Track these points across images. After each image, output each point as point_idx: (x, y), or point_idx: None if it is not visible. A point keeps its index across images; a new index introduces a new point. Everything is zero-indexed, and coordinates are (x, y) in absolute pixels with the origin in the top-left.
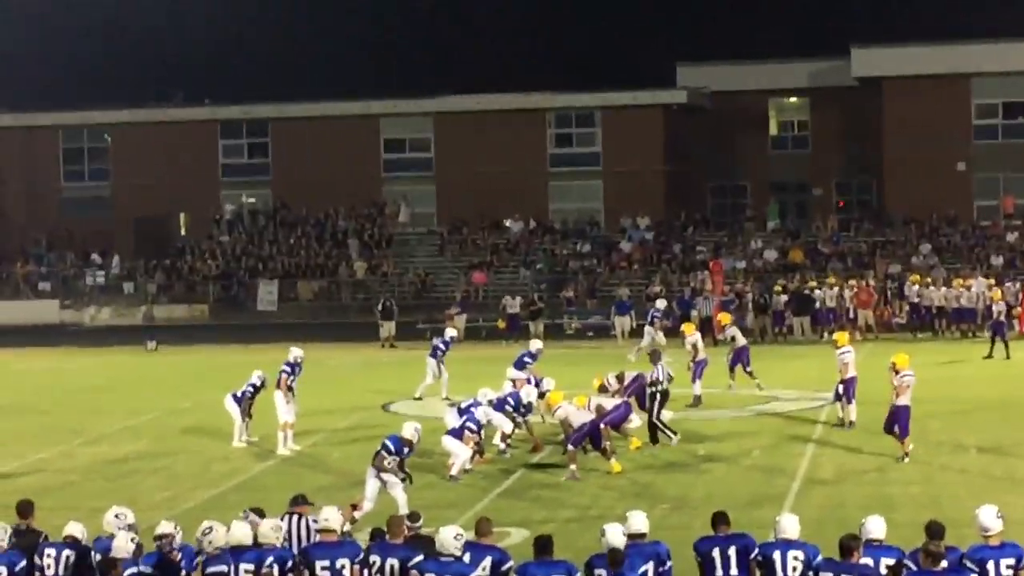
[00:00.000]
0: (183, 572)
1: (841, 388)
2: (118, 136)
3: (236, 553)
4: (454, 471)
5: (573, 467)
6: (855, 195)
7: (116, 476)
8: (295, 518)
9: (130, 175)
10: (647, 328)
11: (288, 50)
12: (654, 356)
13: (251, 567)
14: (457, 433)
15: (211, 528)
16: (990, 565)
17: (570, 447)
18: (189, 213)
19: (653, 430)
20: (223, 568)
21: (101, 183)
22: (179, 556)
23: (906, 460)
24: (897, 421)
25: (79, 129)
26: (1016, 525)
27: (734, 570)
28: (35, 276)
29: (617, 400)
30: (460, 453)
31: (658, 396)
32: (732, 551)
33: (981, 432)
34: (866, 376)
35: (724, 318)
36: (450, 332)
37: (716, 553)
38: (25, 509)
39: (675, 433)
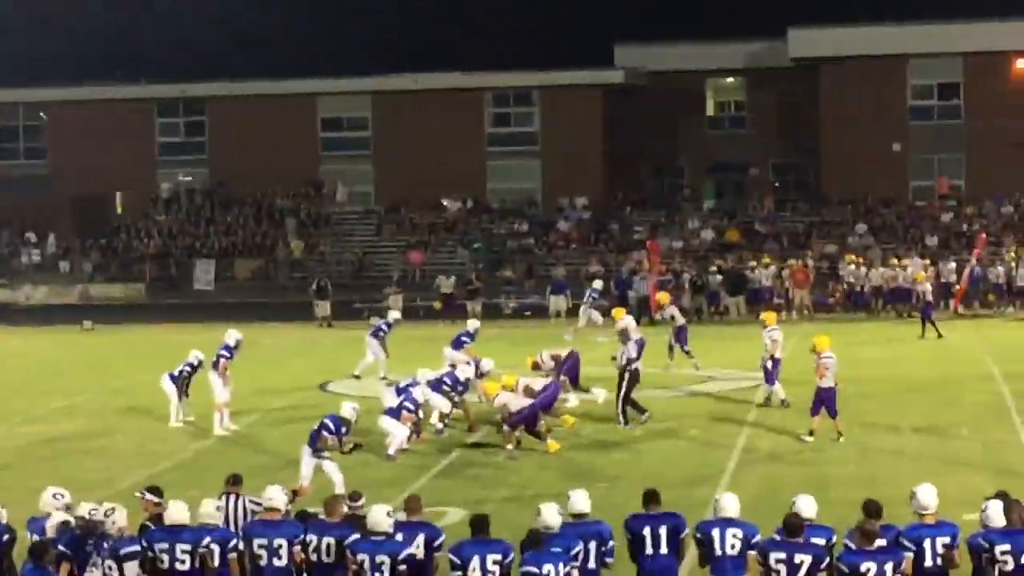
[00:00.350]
0: (96, 553)
1: (770, 365)
2: (54, 114)
3: (174, 532)
4: (391, 450)
5: (510, 447)
6: (792, 176)
7: (52, 456)
8: (232, 498)
9: (66, 154)
10: (583, 308)
11: (225, 29)
12: (624, 335)
13: (188, 547)
14: (395, 413)
15: (113, 509)
16: (927, 543)
17: (506, 428)
18: (126, 192)
19: (625, 409)
20: (136, 548)
21: (37, 162)
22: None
23: (841, 440)
24: (824, 403)
25: (14, 107)
26: (950, 503)
27: (664, 549)
28: None
29: (547, 380)
30: (397, 433)
31: (627, 376)
32: (663, 530)
33: (916, 412)
34: (801, 356)
35: (663, 297)
36: (393, 314)
37: (647, 532)
38: None
39: (644, 411)
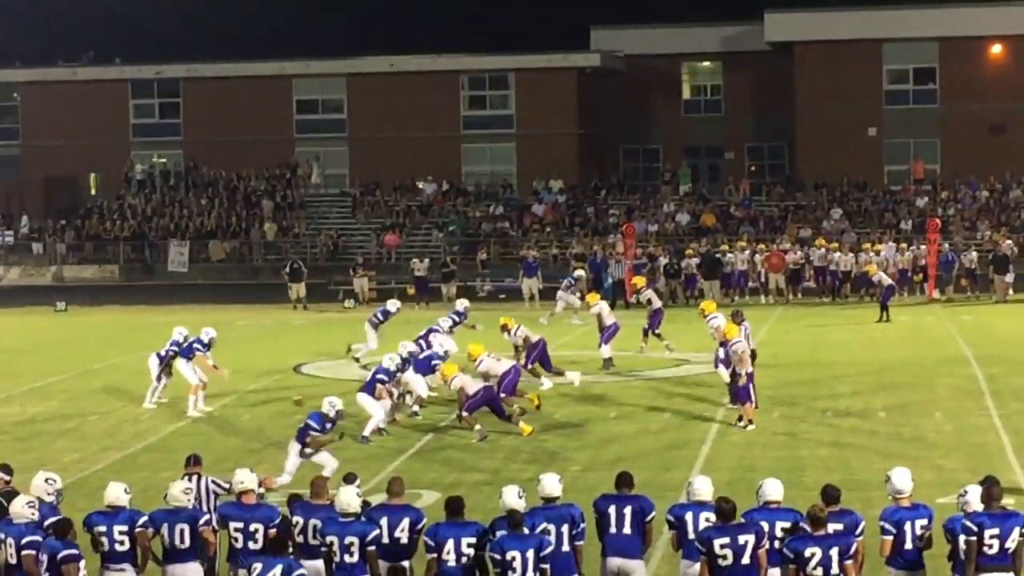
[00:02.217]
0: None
1: (721, 353)
2: (27, 95)
3: (110, 514)
4: (367, 431)
5: (478, 427)
6: (767, 159)
7: (25, 437)
8: (194, 478)
9: (40, 134)
10: (560, 293)
11: (200, 9)
12: (599, 320)
13: (125, 528)
14: (369, 387)
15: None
16: (907, 526)
17: (465, 414)
18: (99, 173)
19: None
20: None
21: (10, 142)
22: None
23: (750, 428)
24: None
25: None
26: (924, 487)
27: (627, 529)
28: None
29: (506, 364)
30: (374, 412)
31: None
32: (628, 511)
33: (890, 396)
34: (775, 340)
35: (639, 281)
36: (393, 304)
37: (612, 511)
38: None
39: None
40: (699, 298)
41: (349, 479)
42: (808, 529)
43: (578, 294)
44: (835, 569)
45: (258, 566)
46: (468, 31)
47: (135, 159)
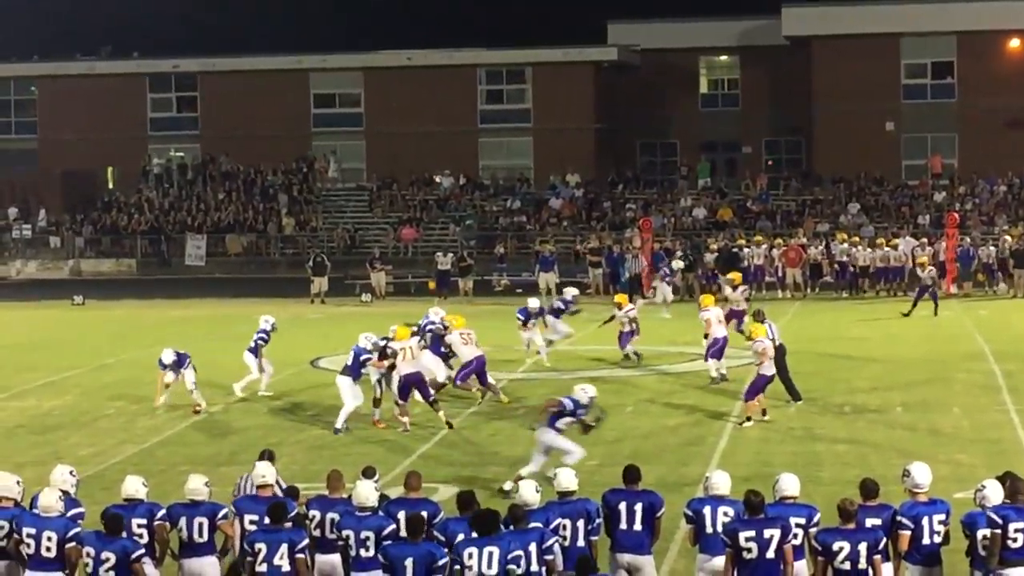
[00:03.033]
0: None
1: (711, 345)
2: (45, 89)
3: (128, 508)
4: (339, 423)
5: (406, 419)
6: (784, 154)
7: (41, 431)
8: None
9: (57, 128)
10: (656, 284)
11: (218, 3)
12: (759, 315)
13: (143, 521)
14: (354, 370)
15: None
16: (924, 521)
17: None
18: (117, 167)
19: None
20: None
21: (28, 136)
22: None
23: (746, 425)
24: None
25: (6, 81)
26: (940, 481)
27: (638, 525)
28: None
29: (473, 352)
30: (348, 401)
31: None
32: (638, 507)
33: (907, 390)
34: (793, 335)
35: (736, 276)
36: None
37: (623, 507)
38: None
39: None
40: (717, 292)
41: (368, 473)
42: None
43: (671, 287)
44: (863, 564)
45: (262, 547)
46: (485, 25)
47: (152, 153)
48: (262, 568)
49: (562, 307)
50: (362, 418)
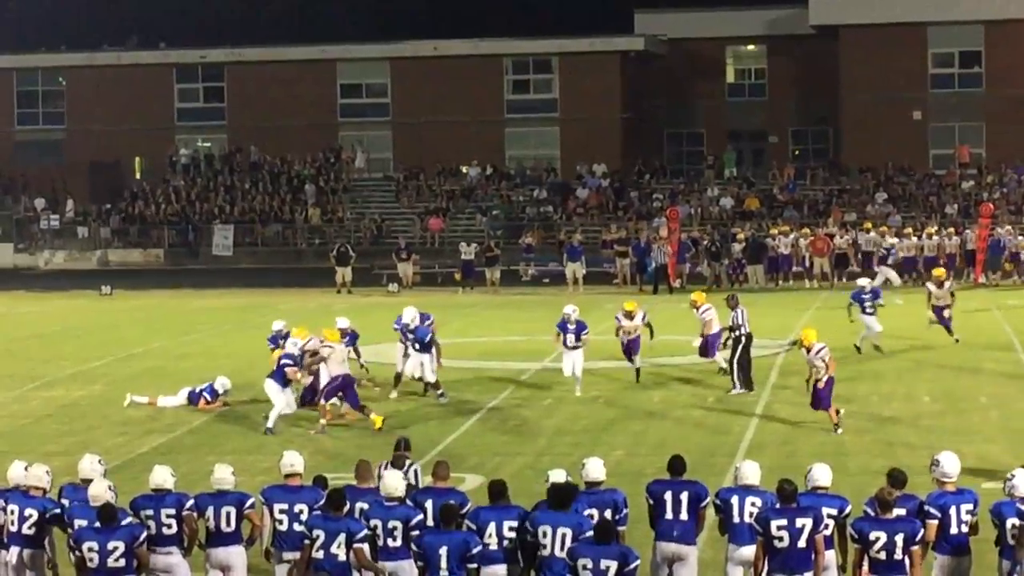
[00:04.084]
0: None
1: (703, 342)
2: (73, 79)
3: (156, 498)
4: (270, 422)
5: (323, 421)
6: (811, 143)
7: (69, 421)
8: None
9: (85, 119)
10: (879, 268)
11: None
12: (732, 300)
13: (172, 511)
14: (278, 375)
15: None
16: (952, 511)
17: (321, 401)
18: (144, 157)
19: (740, 372)
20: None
21: (55, 126)
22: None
23: (839, 432)
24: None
25: (33, 72)
26: (968, 471)
27: (684, 515)
28: None
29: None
30: (277, 402)
31: (743, 340)
32: (684, 496)
33: (934, 380)
34: (820, 324)
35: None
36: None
37: (668, 497)
38: None
39: (738, 388)
40: (744, 282)
41: (397, 463)
42: (870, 512)
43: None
44: (899, 554)
45: (320, 534)
46: (511, 15)
47: (179, 143)
48: (318, 555)
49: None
50: (390, 411)
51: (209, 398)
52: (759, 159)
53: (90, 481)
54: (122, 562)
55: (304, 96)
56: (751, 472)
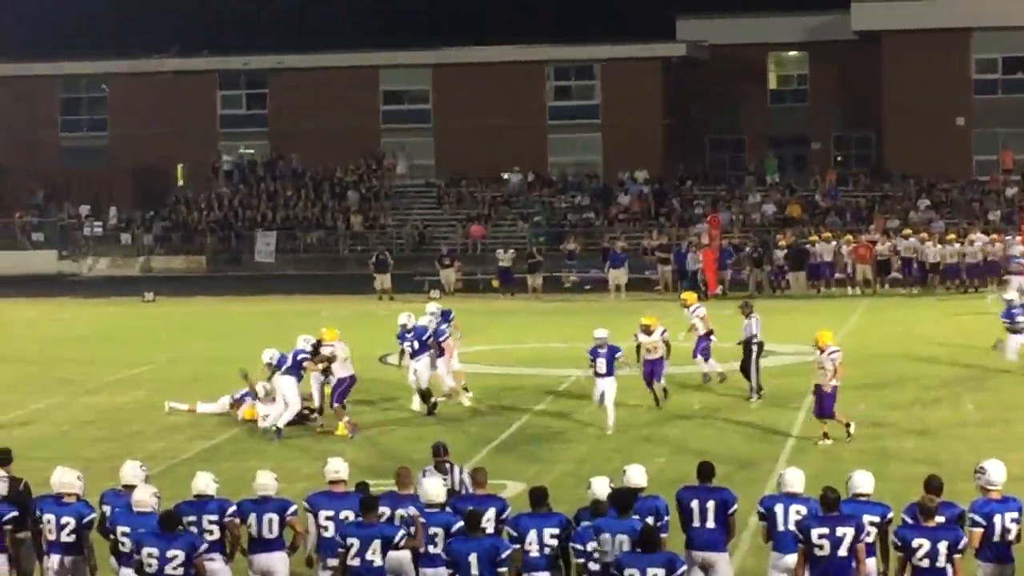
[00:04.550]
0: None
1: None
2: (116, 86)
3: (198, 504)
4: (280, 422)
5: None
6: (854, 150)
7: (112, 426)
8: (446, 466)
9: (128, 125)
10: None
11: (287, 1)
12: (746, 308)
13: (215, 517)
14: (294, 370)
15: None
16: (996, 519)
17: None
18: (187, 164)
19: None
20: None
21: (99, 133)
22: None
23: (849, 438)
24: (820, 403)
25: (77, 79)
26: (1012, 480)
27: (711, 523)
28: (32, 226)
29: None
30: (292, 402)
31: (754, 348)
32: (711, 504)
33: (978, 387)
34: (863, 331)
35: (689, 297)
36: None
37: (695, 504)
38: (3, 457)
39: (758, 395)
40: (786, 289)
41: (440, 469)
42: (908, 519)
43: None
44: (941, 562)
45: (354, 541)
46: (553, 21)
47: (222, 150)
48: (354, 563)
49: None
50: (424, 417)
51: (249, 404)
52: (801, 165)
53: (132, 487)
54: (180, 571)
55: (346, 103)
56: (795, 479)
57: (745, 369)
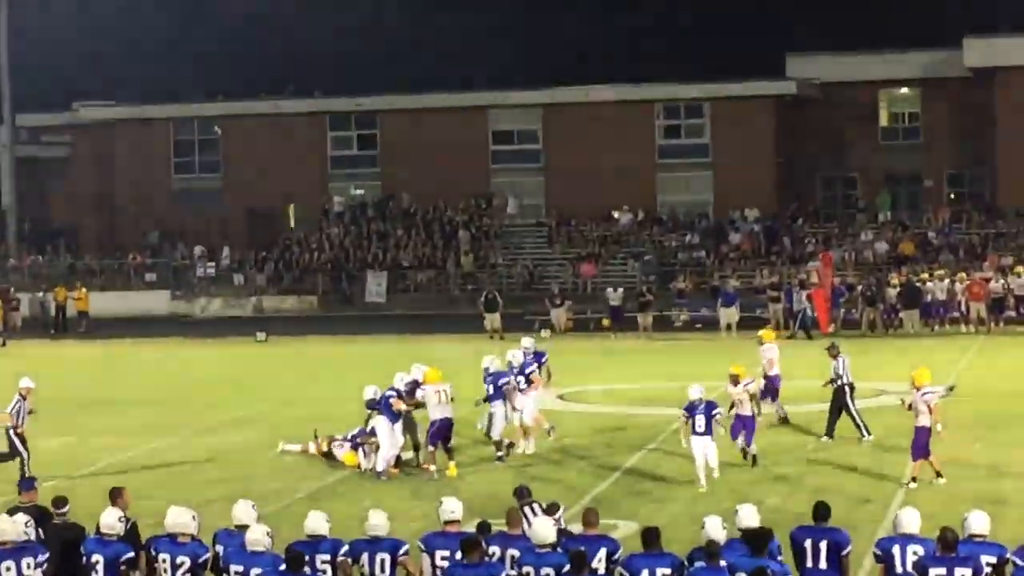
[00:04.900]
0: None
1: (763, 384)
2: (228, 128)
3: (311, 544)
4: (379, 466)
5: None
6: (967, 187)
7: (227, 467)
8: (525, 508)
9: (240, 167)
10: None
11: (397, 41)
12: (833, 350)
13: (327, 557)
14: (386, 407)
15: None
16: None
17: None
18: (298, 205)
19: (853, 419)
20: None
21: (211, 175)
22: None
23: (941, 481)
24: (918, 444)
25: (190, 121)
26: None
27: (823, 563)
28: (146, 267)
29: (444, 411)
30: (384, 442)
31: (846, 389)
32: (823, 544)
33: None
34: (978, 370)
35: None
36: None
37: (808, 544)
38: (116, 496)
39: (868, 432)
40: (899, 327)
41: (551, 510)
42: (1018, 562)
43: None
44: None
45: None
46: (663, 60)
47: (333, 191)
48: None
49: None
50: (540, 456)
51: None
52: (914, 202)
53: (245, 527)
54: None
55: (456, 143)
56: (911, 520)
57: (837, 411)
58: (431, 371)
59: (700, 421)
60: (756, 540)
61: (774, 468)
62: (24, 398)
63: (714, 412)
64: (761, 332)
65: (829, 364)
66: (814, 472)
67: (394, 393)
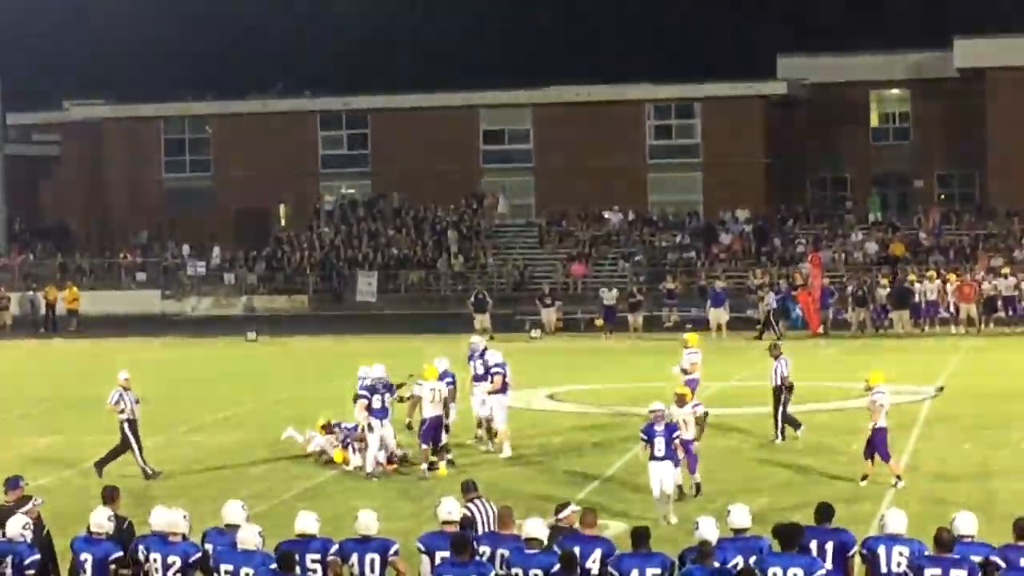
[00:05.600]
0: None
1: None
2: (219, 127)
3: (300, 544)
4: (368, 467)
5: (424, 466)
6: (957, 188)
7: (215, 466)
8: (476, 502)
9: (230, 166)
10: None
11: (387, 41)
12: (774, 350)
13: (317, 556)
14: (380, 413)
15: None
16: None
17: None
18: (288, 204)
19: (784, 422)
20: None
21: (202, 174)
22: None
23: (899, 485)
24: (874, 445)
25: (180, 120)
26: None
27: (828, 564)
28: (136, 266)
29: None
30: (371, 442)
31: (783, 391)
32: (829, 546)
33: None
34: (967, 370)
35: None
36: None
37: (813, 545)
38: (110, 495)
39: (782, 436)
40: (889, 328)
41: (561, 508)
42: (1001, 563)
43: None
44: None
45: None
46: (653, 60)
47: (323, 190)
48: None
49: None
50: (522, 456)
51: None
52: (904, 203)
53: (235, 526)
54: None
55: (447, 142)
56: (897, 521)
57: (776, 412)
58: (428, 368)
59: (659, 444)
60: (789, 536)
61: (766, 469)
62: (127, 389)
63: (675, 435)
64: (686, 335)
65: (770, 364)
66: (805, 471)
67: (366, 395)
